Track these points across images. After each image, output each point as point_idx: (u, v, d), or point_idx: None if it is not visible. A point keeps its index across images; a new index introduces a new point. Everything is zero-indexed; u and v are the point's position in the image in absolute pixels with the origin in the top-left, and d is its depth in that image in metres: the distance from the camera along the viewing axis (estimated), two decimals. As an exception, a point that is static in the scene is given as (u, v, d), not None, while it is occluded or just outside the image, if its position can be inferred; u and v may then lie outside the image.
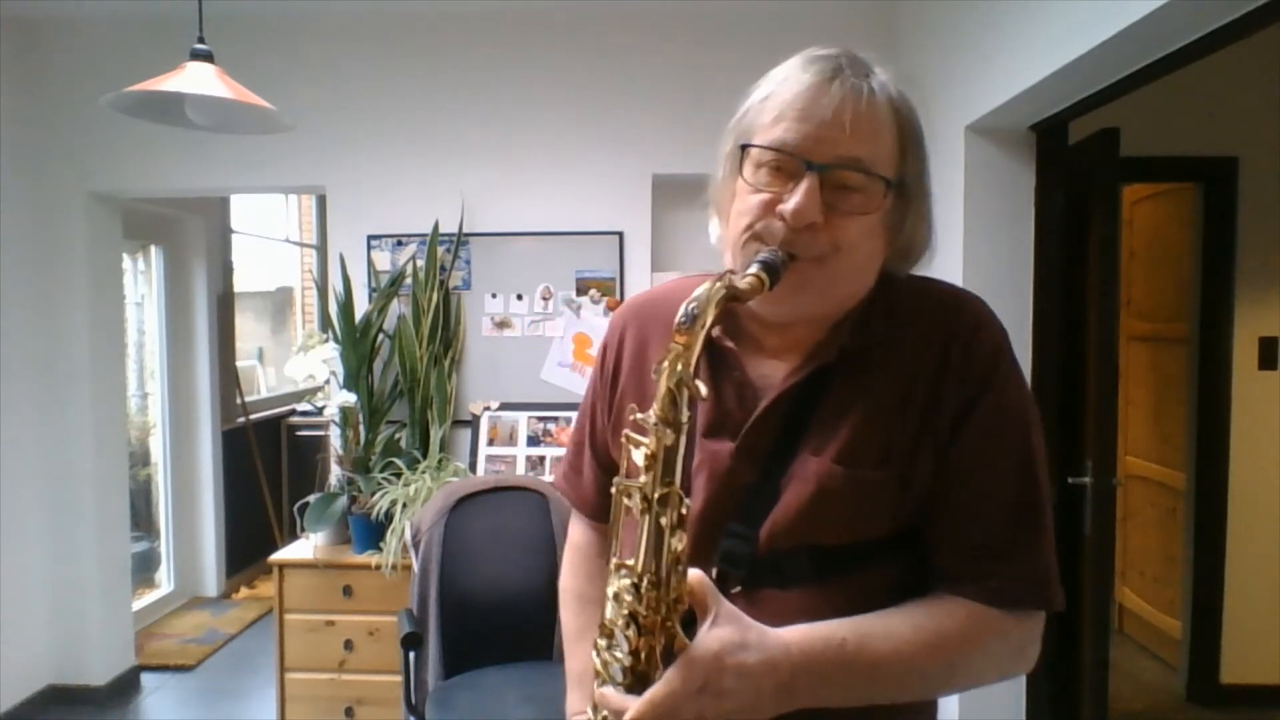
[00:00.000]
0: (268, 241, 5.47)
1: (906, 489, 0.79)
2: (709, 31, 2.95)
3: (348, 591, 2.58)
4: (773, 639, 0.71)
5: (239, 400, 4.53)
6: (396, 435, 2.91)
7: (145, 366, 4.16)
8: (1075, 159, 2.22)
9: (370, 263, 3.03)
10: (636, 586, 0.69)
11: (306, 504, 2.65)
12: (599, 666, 0.73)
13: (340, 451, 2.77)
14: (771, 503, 0.79)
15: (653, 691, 0.67)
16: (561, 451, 2.90)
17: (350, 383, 2.81)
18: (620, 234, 3.00)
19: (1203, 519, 3.11)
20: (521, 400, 3.01)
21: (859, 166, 0.77)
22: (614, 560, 0.72)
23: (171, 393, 4.17)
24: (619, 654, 0.71)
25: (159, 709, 3.22)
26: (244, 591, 4.45)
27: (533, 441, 2.96)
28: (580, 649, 0.96)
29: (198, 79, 1.83)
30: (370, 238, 3.03)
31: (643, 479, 0.68)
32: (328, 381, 2.73)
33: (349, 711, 2.58)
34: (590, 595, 1.00)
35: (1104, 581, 2.16)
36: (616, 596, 0.70)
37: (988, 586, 0.77)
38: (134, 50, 2.95)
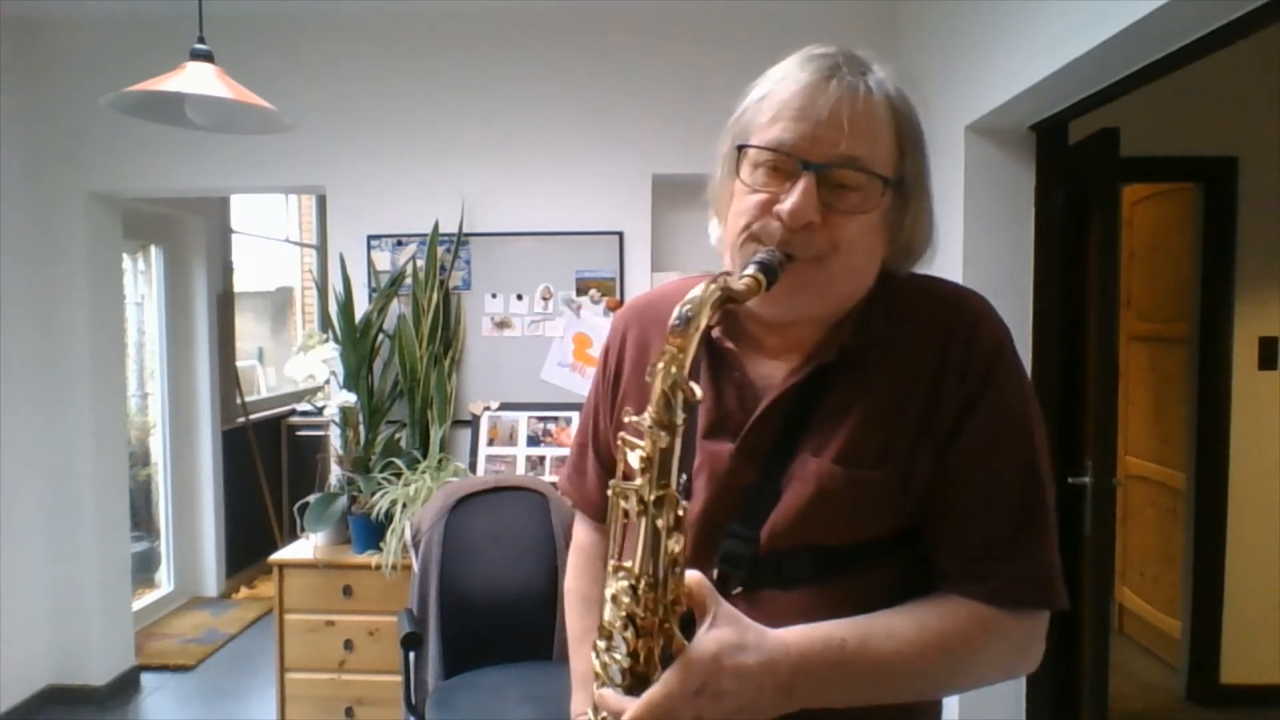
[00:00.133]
0: (268, 241, 5.47)
1: (907, 489, 0.78)
2: (709, 31, 2.95)
3: (348, 591, 2.58)
4: (772, 640, 0.71)
5: (239, 400, 4.53)
6: (396, 435, 2.91)
7: (145, 366, 4.16)
8: (1075, 159, 2.22)
9: (370, 263, 3.02)
10: (634, 588, 0.68)
11: (306, 504, 2.65)
12: (598, 668, 0.73)
13: (340, 451, 2.77)
14: (772, 503, 0.79)
15: (651, 693, 0.67)
16: (561, 452, 2.92)
17: (350, 383, 2.81)
18: (620, 234, 3.00)
19: (1202, 519, 3.11)
20: (521, 400, 3.01)
21: (856, 165, 0.76)
22: (612, 562, 0.72)
23: (171, 393, 4.17)
24: (618, 655, 0.70)
25: (159, 709, 3.22)
26: (244, 591, 4.45)
27: (533, 441, 2.96)
28: (584, 650, 0.96)
29: (198, 79, 1.83)
30: (370, 238, 3.03)
31: (639, 481, 0.68)
32: (328, 381, 2.73)
33: (349, 711, 2.58)
34: (595, 596, 1.00)
35: (1104, 581, 2.16)
36: (615, 598, 0.70)
37: (989, 586, 0.76)
38: (134, 50, 2.95)
